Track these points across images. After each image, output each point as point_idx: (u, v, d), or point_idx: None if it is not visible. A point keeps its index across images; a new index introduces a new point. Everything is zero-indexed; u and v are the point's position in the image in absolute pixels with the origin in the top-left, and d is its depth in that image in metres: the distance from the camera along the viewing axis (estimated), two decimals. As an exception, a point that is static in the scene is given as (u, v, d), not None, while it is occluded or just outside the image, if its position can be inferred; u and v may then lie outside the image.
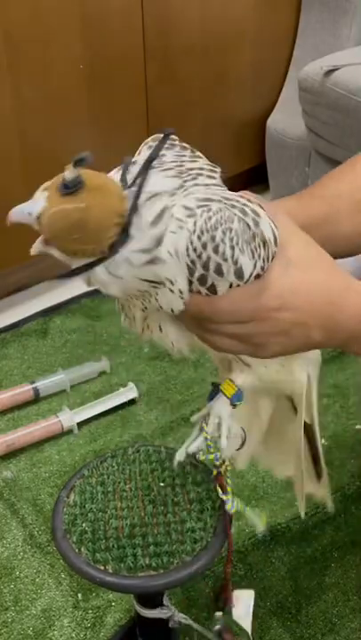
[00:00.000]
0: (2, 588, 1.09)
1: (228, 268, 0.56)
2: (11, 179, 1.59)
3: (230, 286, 0.57)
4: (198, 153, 0.63)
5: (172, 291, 0.58)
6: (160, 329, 0.64)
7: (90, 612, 1.04)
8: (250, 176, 2.06)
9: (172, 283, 0.57)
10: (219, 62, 1.93)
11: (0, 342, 1.62)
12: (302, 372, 0.72)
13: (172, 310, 0.59)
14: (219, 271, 0.56)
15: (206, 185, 0.59)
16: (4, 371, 1.54)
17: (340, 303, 0.60)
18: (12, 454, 1.32)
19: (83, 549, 0.72)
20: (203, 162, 0.62)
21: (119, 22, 1.65)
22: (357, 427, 1.34)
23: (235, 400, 0.68)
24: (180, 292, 0.57)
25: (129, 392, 1.43)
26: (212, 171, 0.61)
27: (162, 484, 0.79)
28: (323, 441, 1.29)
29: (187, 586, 1.05)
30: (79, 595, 1.06)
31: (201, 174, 0.60)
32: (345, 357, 1.50)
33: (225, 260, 0.55)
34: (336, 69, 1.73)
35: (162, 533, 0.73)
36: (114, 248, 0.56)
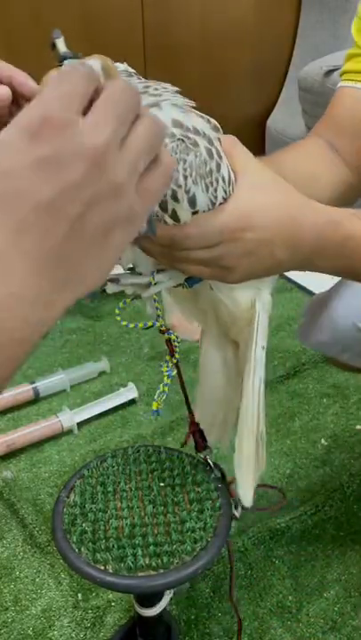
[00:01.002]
0: (2, 587, 1.09)
1: (183, 195, 0.58)
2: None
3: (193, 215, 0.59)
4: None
5: None
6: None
7: (90, 611, 1.04)
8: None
9: None
10: (219, 62, 1.93)
11: (0, 342, 1.62)
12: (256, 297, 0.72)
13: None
14: (175, 197, 0.58)
15: (177, 106, 0.61)
16: (4, 371, 1.54)
17: (300, 219, 0.64)
18: (12, 454, 1.32)
19: (83, 549, 0.72)
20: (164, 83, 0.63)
21: (119, 22, 1.65)
22: (358, 427, 1.35)
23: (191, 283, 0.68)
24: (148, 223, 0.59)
25: (129, 392, 1.43)
26: (175, 91, 0.63)
27: (162, 484, 0.79)
28: (322, 441, 1.31)
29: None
30: (79, 595, 1.06)
31: (167, 90, 0.62)
32: (345, 357, 1.50)
33: (178, 186, 0.58)
34: (336, 69, 1.73)
35: (162, 533, 0.73)
36: None
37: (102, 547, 0.72)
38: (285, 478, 1.22)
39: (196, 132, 0.61)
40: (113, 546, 0.72)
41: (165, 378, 0.72)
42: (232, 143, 0.65)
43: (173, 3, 1.75)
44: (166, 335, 0.72)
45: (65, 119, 0.38)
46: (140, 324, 0.70)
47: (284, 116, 2.06)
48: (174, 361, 0.74)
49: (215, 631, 1.01)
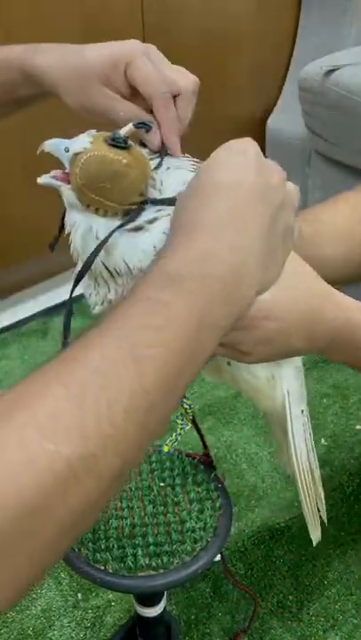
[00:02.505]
0: (2, 587, 1.09)
1: None
2: (11, 179, 1.59)
3: None
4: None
5: None
6: None
7: (90, 611, 1.04)
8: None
9: None
10: (219, 62, 1.93)
11: (0, 342, 1.62)
12: (282, 387, 0.73)
13: None
14: None
15: None
16: (3, 371, 1.54)
17: (320, 313, 0.63)
18: (13, 454, 1.32)
19: (83, 549, 0.72)
20: None
21: (119, 22, 1.65)
22: (358, 427, 1.35)
23: None
24: None
25: (129, 392, 1.43)
26: None
27: (162, 484, 0.79)
28: (322, 441, 1.30)
29: (187, 586, 1.05)
30: (79, 595, 1.06)
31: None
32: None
33: None
34: (336, 69, 1.73)
35: (162, 533, 0.73)
36: (130, 214, 0.58)
37: (102, 547, 0.72)
38: (285, 478, 1.22)
39: None
40: (113, 546, 0.72)
41: (179, 428, 0.76)
42: None
43: (173, 3, 1.75)
44: (180, 404, 0.75)
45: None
46: None
47: (284, 116, 2.05)
48: (189, 418, 0.76)
49: (215, 631, 1.00)
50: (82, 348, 0.43)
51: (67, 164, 0.58)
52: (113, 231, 0.57)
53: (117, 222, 0.58)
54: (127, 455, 0.42)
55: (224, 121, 2.03)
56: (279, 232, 0.55)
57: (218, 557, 0.81)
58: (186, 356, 0.45)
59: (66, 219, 0.61)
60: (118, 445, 0.41)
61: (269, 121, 2.08)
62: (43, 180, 0.59)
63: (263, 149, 2.43)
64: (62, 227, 0.61)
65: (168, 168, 0.61)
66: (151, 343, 0.43)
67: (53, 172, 0.59)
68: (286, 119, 2.04)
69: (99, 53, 0.64)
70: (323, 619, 1.03)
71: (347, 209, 0.85)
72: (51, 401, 0.40)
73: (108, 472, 0.41)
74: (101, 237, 0.58)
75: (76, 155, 0.57)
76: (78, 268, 0.62)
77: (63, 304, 1.71)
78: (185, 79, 0.64)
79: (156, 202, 0.59)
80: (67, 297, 0.61)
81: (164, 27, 1.74)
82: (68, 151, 0.58)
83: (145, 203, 0.58)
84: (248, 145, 0.56)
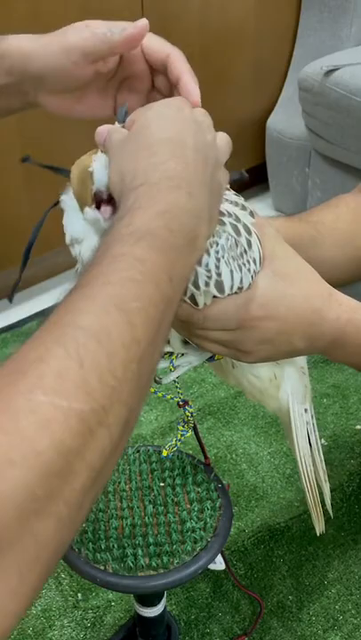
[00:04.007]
0: (2, 587, 1.09)
1: (209, 280, 0.58)
2: (11, 179, 1.59)
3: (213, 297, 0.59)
4: None
5: None
6: None
7: (90, 611, 1.04)
8: (250, 176, 2.06)
9: None
10: (219, 62, 1.93)
11: (0, 342, 1.62)
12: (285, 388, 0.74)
13: None
14: (195, 284, 0.58)
15: None
16: (4, 371, 1.54)
17: (322, 313, 0.63)
18: (13, 454, 1.32)
19: (83, 549, 0.72)
20: None
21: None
22: (358, 427, 1.35)
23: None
24: None
25: (129, 392, 1.43)
26: None
27: (162, 484, 0.79)
28: (322, 441, 1.30)
29: (187, 586, 1.05)
30: (79, 595, 1.06)
31: None
32: (345, 357, 1.50)
33: (208, 271, 0.57)
34: (336, 69, 1.73)
35: (162, 533, 0.73)
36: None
37: (102, 547, 0.72)
38: (285, 478, 1.22)
39: (237, 218, 0.61)
40: (113, 546, 0.72)
41: (180, 435, 0.77)
42: (260, 226, 0.64)
43: (173, 3, 1.75)
44: (183, 411, 0.76)
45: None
46: (160, 394, 0.72)
47: (285, 117, 2.06)
48: (191, 425, 0.77)
49: (215, 631, 1.01)
50: (70, 312, 0.44)
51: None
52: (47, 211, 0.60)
53: None
54: (131, 403, 0.44)
55: (224, 121, 2.03)
56: (216, 189, 0.57)
57: (223, 565, 0.82)
58: (164, 306, 0.47)
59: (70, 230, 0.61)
60: (122, 395, 0.43)
61: (269, 121, 2.09)
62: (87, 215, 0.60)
63: (263, 149, 2.44)
64: (25, 265, 0.63)
65: None
66: (136, 296, 0.45)
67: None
68: (286, 119, 2.04)
69: (80, 35, 0.65)
70: (323, 619, 1.03)
71: (348, 211, 0.86)
72: (54, 362, 0.40)
73: (117, 422, 0.42)
74: None
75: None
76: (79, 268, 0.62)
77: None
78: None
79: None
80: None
81: (164, 27, 1.74)
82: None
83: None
84: (183, 103, 0.58)
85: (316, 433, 0.80)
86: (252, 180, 2.05)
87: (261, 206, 2.21)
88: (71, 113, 0.66)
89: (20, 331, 1.66)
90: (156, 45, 0.62)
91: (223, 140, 0.60)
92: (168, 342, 0.68)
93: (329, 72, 1.73)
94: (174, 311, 0.50)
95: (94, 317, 0.43)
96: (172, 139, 0.54)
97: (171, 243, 0.49)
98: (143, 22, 0.61)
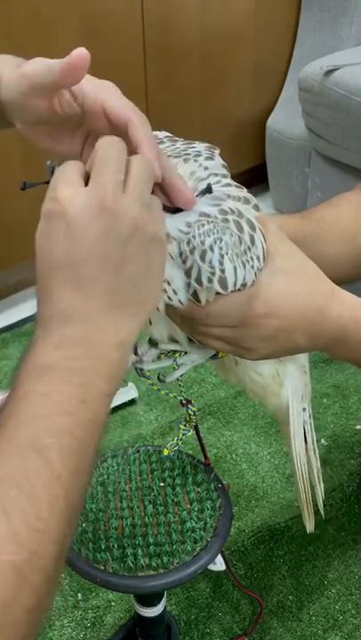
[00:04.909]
0: (2, 587, 1.09)
1: (212, 276, 0.57)
2: (11, 179, 1.59)
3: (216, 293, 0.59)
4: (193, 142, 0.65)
5: (165, 290, 0.59)
6: (150, 321, 0.66)
7: (90, 611, 1.04)
8: (250, 176, 2.06)
9: (168, 283, 0.59)
10: (219, 62, 1.93)
11: (0, 342, 1.62)
12: (287, 386, 0.75)
13: (158, 309, 0.61)
14: (198, 280, 0.57)
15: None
16: (3, 371, 1.54)
17: (324, 310, 0.63)
18: (13, 454, 1.32)
19: (83, 549, 0.72)
20: (199, 145, 0.64)
21: (119, 22, 1.65)
22: (358, 427, 1.35)
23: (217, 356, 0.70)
24: (175, 293, 0.59)
25: (129, 392, 1.43)
26: (209, 151, 0.63)
27: (162, 484, 0.79)
28: (323, 441, 1.30)
29: (187, 586, 1.05)
30: (79, 595, 1.06)
31: (200, 155, 0.62)
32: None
33: (212, 267, 0.57)
34: (336, 69, 1.73)
35: (162, 533, 0.73)
36: None
37: (102, 547, 0.72)
38: (285, 478, 1.22)
39: (240, 214, 0.60)
40: (113, 546, 0.72)
41: (181, 434, 0.77)
42: (263, 222, 0.63)
43: (173, 3, 1.75)
44: (186, 410, 0.76)
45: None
46: (163, 392, 0.72)
47: (285, 117, 2.06)
48: (192, 424, 0.77)
49: (215, 631, 1.01)
50: None
51: None
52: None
53: None
54: (61, 538, 0.45)
55: (224, 121, 2.03)
56: (138, 257, 0.51)
57: (223, 566, 0.82)
58: (83, 430, 0.47)
59: None
60: (52, 535, 0.44)
61: (269, 121, 2.09)
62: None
63: (263, 149, 2.44)
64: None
65: None
66: (47, 432, 0.45)
67: None
68: (286, 119, 2.05)
69: (32, 65, 0.59)
70: (323, 619, 1.03)
71: (350, 209, 0.86)
72: None
73: (50, 560, 0.43)
74: None
75: None
76: None
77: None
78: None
79: None
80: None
81: (164, 27, 1.74)
82: None
83: None
84: (66, 202, 0.50)
85: (313, 433, 0.80)
86: (252, 180, 2.06)
87: (261, 206, 2.21)
88: (44, 145, 0.65)
89: (20, 331, 1.66)
90: (117, 107, 0.58)
91: (143, 174, 0.53)
92: (174, 340, 0.68)
93: (329, 72, 1.73)
94: (104, 423, 0.50)
95: (10, 464, 0.44)
96: (68, 263, 0.49)
97: (73, 369, 0.48)
98: (82, 50, 0.56)
